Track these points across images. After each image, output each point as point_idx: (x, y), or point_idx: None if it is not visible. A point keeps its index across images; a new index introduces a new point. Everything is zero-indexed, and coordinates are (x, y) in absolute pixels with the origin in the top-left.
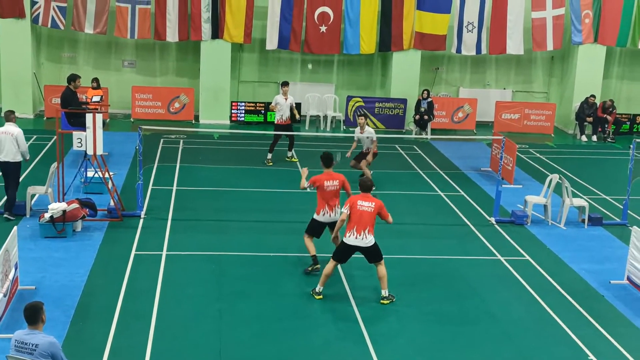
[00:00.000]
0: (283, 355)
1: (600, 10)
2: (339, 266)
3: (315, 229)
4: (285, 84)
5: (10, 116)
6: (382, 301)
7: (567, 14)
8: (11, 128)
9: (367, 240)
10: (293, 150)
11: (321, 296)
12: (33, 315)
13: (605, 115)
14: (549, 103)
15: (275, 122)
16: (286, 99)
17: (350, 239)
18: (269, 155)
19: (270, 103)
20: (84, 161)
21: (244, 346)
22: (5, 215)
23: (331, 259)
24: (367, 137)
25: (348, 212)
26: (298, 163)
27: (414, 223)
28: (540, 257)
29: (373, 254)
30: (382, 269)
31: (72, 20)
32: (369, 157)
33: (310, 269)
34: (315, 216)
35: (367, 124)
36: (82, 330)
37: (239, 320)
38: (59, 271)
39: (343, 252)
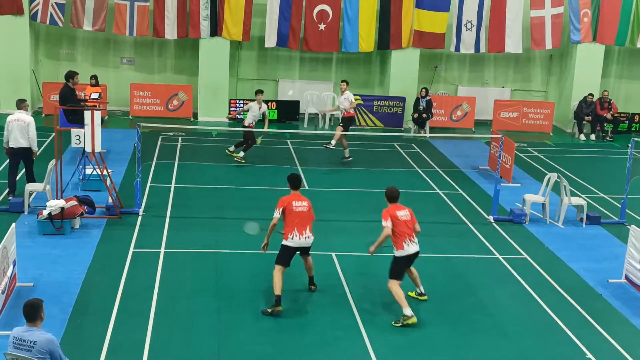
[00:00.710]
0: (281, 353)
1: (599, 9)
2: (338, 267)
3: (286, 257)
4: (259, 92)
5: (21, 105)
6: (422, 297)
7: (566, 13)
8: (23, 116)
9: (417, 244)
10: (242, 151)
11: (415, 319)
12: (32, 312)
13: (605, 114)
14: (547, 102)
15: (245, 124)
16: (260, 107)
17: (411, 248)
18: (242, 154)
19: (269, 101)
20: (83, 158)
21: (242, 344)
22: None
23: (392, 279)
24: (345, 99)
25: (391, 226)
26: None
27: None
28: (538, 256)
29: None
30: (414, 268)
31: (71, 17)
32: (341, 131)
33: (270, 310)
34: (284, 242)
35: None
36: (80, 328)
37: (237, 318)
38: (57, 268)
39: (404, 266)
